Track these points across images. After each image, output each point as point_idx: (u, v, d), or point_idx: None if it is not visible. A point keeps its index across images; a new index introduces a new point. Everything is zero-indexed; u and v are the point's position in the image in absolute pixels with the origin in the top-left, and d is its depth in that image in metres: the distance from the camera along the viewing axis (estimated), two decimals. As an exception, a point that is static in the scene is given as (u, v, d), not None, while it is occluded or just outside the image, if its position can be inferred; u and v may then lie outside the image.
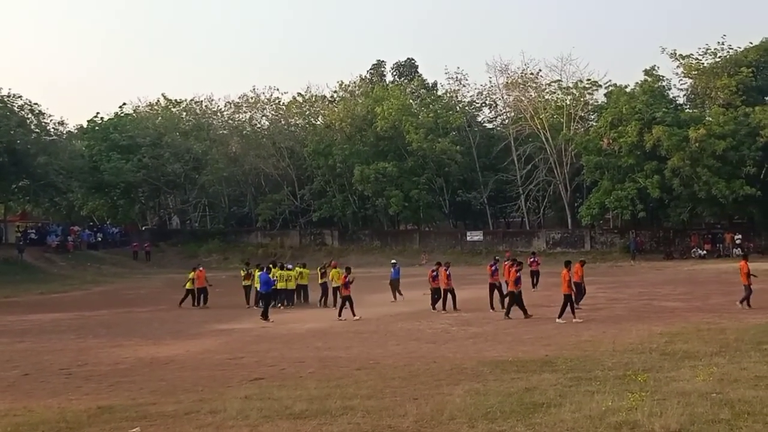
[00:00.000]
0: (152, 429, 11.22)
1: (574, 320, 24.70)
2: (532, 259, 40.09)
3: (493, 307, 29.46)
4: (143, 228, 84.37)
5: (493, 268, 30.82)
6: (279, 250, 70.82)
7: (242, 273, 37.23)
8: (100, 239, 74.26)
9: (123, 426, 11.50)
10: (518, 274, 27.40)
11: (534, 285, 37.71)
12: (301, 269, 36.72)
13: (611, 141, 61.80)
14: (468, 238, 71.47)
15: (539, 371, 15.14)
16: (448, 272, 30.68)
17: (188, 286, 36.61)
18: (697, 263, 55.19)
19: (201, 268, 38.40)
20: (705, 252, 60.54)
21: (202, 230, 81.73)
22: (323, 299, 34.69)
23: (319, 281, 35.59)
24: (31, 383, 16.78)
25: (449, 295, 30.28)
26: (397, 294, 35.87)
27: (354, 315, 28.33)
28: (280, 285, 33.93)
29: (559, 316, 25.18)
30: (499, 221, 79.59)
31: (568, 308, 25.34)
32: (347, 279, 29.30)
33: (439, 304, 30.35)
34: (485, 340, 21.42)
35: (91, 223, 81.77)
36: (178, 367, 18.41)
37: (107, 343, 23.66)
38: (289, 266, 36.59)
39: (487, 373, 15.18)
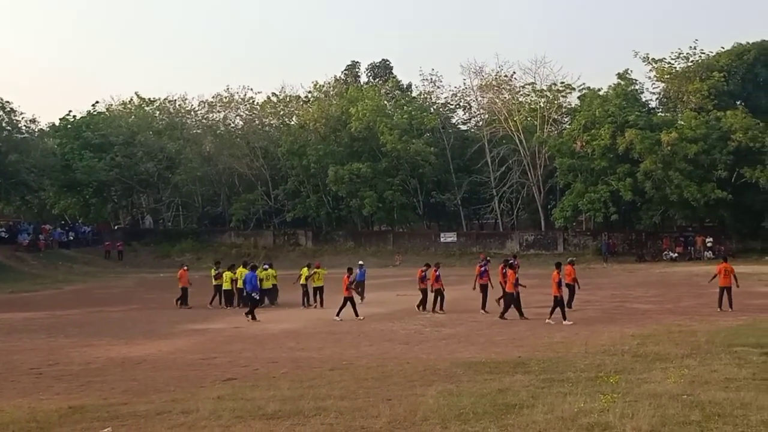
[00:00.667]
0: (124, 429, 11.16)
1: (564, 322, 24.69)
2: (512, 261, 39.78)
3: (482, 308, 29.38)
4: (116, 227, 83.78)
5: (483, 269, 30.63)
6: (252, 250, 70.60)
7: (212, 272, 36.89)
8: (72, 238, 73.68)
9: (94, 426, 11.44)
10: (517, 275, 27.32)
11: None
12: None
13: (584, 144, 62.15)
14: (442, 240, 71.64)
15: (512, 372, 15.20)
16: (437, 273, 30.48)
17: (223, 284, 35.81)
18: (668, 266, 55.58)
19: (185, 267, 37.92)
20: (677, 255, 60.97)
21: (175, 230, 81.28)
22: (306, 299, 34.54)
23: (301, 282, 35.24)
24: (1, 383, 16.65)
25: (438, 296, 30.08)
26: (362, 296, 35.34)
27: (357, 315, 28.15)
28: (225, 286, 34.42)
29: (549, 317, 25.32)
30: (473, 223, 79.73)
31: (559, 309, 25.46)
32: (350, 280, 29.17)
33: (435, 305, 30.17)
34: (458, 341, 21.47)
35: (63, 222, 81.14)
36: (150, 367, 18.33)
37: (78, 342, 23.50)
38: (266, 266, 36.40)
39: (460, 374, 15.23)
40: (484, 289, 30.04)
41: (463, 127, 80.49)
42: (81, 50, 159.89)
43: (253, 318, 28.73)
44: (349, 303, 28.56)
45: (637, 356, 17.08)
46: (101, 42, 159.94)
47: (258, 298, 30.88)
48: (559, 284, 25.77)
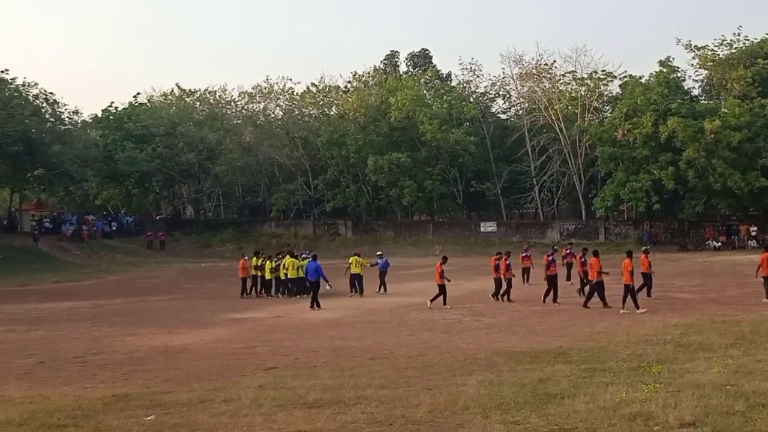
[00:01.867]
0: (167, 417, 11.24)
1: (638, 311, 24.21)
2: (567, 251, 38.51)
3: (554, 300, 28.20)
4: (157, 217, 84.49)
5: (550, 258, 29.77)
6: (293, 240, 70.79)
7: (256, 262, 36.47)
8: (114, 228, 74.58)
9: (138, 414, 11.53)
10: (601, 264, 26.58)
11: (568, 278, 35.71)
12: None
13: (626, 132, 61.60)
14: (482, 229, 71.44)
15: (553, 362, 15.11)
16: (508, 262, 29.98)
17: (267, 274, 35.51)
18: (711, 255, 54.96)
19: (245, 257, 37.39)
20: (720, 244, 60.30)
21: (216, 220, 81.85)
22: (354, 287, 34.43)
23: (352, 271, 34.86)
24: (47, 371, 16.86)
25: (508, 286, 29.66)
26: (382, 288, 35.14)
27: (445, 304, 27.73)
28: (291, 274, 33.82)
29: (623, 305, 24.90)
30: (513, 212, 79.37)
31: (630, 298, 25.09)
32: (442, 268, 28.65)
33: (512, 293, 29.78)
34: (499, 330, 21.40)
35: (106, 213, 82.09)
36: (192, 355, 18.46)
37: (122, 331, 23.74)
38: (305, 255, 36.37)
39: (500, 364, 15.16)
40: (553, 280, 28.84)
41: (503, 116, 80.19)
42: (123, 43, 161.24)
43: (318, 306, 28.88)
44: (441, 290, 28.13)
45: (679, 346, 16.91)
46: (145, 36, 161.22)
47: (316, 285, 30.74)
48: (631, 273, 25.31)
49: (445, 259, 30.19)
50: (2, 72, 64.18)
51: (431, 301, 27.96)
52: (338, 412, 11.01)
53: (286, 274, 34.04)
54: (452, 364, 15.39)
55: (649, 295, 28.05)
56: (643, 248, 32.44)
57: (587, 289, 27.99)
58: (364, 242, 65.36)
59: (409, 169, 69.01)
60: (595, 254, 26.88)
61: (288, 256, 35.01)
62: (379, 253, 38.35)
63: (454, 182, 72.48)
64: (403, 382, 13.51)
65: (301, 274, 33.68)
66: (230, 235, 74.31)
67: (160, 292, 39.28)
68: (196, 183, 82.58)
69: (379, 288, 34.87)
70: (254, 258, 36.64)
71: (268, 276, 34.92)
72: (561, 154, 70.00)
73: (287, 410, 11.31)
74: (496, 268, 29.88)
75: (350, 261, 34.94)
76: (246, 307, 30.48)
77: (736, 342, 17.13)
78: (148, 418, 11.22)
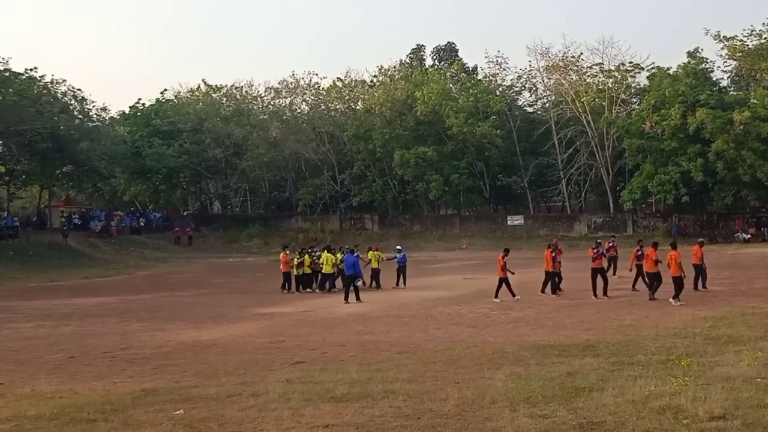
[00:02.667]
0: (195, 411, 11.29)
1: (675, 302, 24.04)
2: (610, 244, 37.44)
3: (597, 294, 27.40)
4: (185, 213, 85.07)
5: (596, 251, 28.85)
6: (319, 234, 71.04)
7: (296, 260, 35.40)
8: (142, 224, 75.07)
9: (166, 408, 11.59)
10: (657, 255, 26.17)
11: (614, 272, 34.96)
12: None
13: (654, 124, 61.21)
14: (509, 223, 71.35)
15: (581, 355, 15.03)
16: (553, 255, 29.38)
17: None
18: (741, 247, 54.52)
19: (286, 251, 36.45)
20: (749, 236, 59.80)
21: (243, 215, 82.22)
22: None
23: (373, 265, 34.75)
24: (77, 366, 16.97)
25: (555, 278, 29.19)
26: (400, 281, 35.06)
27: (514, 295, 27.52)
28: (326, 269, 33.77)
29: (674, 297, 24.49)
30: (540, 205, 79.18)
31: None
32: (504, 260, 28.22)
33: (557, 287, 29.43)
34: (526, 324, 21.32)
35: (134, 209, 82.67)
36: (220, 350, 18.53)
37: (150, 326, 23.86)
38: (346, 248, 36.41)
39: (528, 358, 15.11)
40: (599, 272, 27.96)
41: (530, 109, 79.87)
42: (150, 40, 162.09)
43: (357, 299, 29.22)
44: (504, 283, 27.96)
45: (709, 339, 16.77)
46: (171, 33, 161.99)
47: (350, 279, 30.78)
48: (680, 265, 25.01)
49: (506, 251, 29.76)
50: (31, 70, 64.82)
51: (496, 295, 27.73)
52: (366, 406, 11.02)
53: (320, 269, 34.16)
54: (480, 358, 15.35)
55: (704, 286, 28.22)
56: (699, 240, 32.20)
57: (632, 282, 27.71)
58: (390, 236, 65.38)
59: (435, 163, 68.98)
60: (654, 245, 26.56)
61: (325, 251, 34.91)
62: (398, 247, 38.16)
63: (481, 176, 72.32)
64: (431, 376, 13.50)
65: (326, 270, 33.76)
66: (257, 230, 74.70)
67: (187, 288, 39.48)
68: (223, 178, 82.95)
69: (398, 282, 34.80)
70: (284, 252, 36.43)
71: (306, 271, 34.67)
72: (588, 147, 69.70)
73: (315, 404, 11.33)
74: (554, 260, 29.12)
75: (369, 256, 34.79)
76: (273, 301, 30.55)
77: (766, 334, 16.97)
78: (177, 412, 11.28)
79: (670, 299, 24.37)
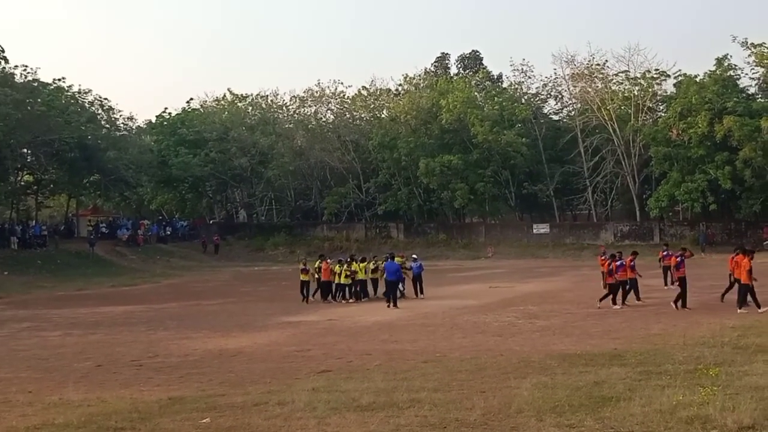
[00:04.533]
0: (222, 420, 11.31)
1: (761, 310, 23.36)
2: (664, 253, 35.85)
3: (680, 305, 25.81)
4: (211, 221, 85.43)
5: (679, 259, 27.39)
6: (345, 243, 71.10)
7: (316, 265, 35.43)
8: (168, 233, 75.44)
9: (193, 417, 11.62)
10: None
11: (672, 282, 32.24)
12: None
13: (680, 132, 60.96)
14: (534, 231, 71.10)
15: (608, 365, 14.93)
16: (632, 263, 28.14)
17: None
18: (769, 255, 54.01)
19: (327, 260, 35.93)
20: (777, 244, 59.19)
21: (268, 223, 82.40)
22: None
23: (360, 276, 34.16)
24: (104, 374, 17.07)
25: (623, 287, 27.76)
26: (418, 292, 34.48)
27: (615, 304, 26.91)
28: (343, 279, 33.67)
29: (740, 306, 24.00)
30: (566, 213, 78.79)
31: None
32: (633, 262, 27.30)
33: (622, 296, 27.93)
34: (553, 333, 21.23)
35: (161, 217, 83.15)
36: (246, 359, 18.57)
37: (177, 335, 23.97)
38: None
39: (555, 367, 15.03)
40: (683, 282, 26.52)
41: (555, 117, 79.62)
42: (176, 49, 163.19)
43: (395, 305, 29.75)
44: (616, 289, 27.30)
45: (737, 348, 16.62)
46: (197, 42, 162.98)
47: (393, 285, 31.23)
48: (750, 271, 24.55)
49: (635, 253, 29.12)
50: (59, 80, 65.42)
51: (623, 300, 26.94)
52: (392, 415, 10.99)
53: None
54: (505, 367, 15.29)
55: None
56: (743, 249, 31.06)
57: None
58: (415, 245, 65.25)
59: (460, 172, 68.90)
60: (746, 253, 25.08)
61: (357, 261, 34.61)
62: (414, 256, 37.66)
63: (506, 184, 72.16)
64: (457, 385, 13.46)
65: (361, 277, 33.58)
66: (283, 238, 74.85)
67: (214, 296, 39.61)
68: (249, 187, 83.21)
69: (418, 292, 34.43)
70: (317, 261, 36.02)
71: (343, 281, 33.85)
72: (614, 155, 69.40)
73: (341, 413, 11.32)
74: (611, 273, 27.80)
75: (354, 267, 34.25)
76: (299, 310, 30.60)
77: (795, 344, 16.81)
78: (204, 420, 11.30)
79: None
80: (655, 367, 14.32)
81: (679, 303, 25.61)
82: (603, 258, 31.60)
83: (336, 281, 33.94)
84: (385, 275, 31.98)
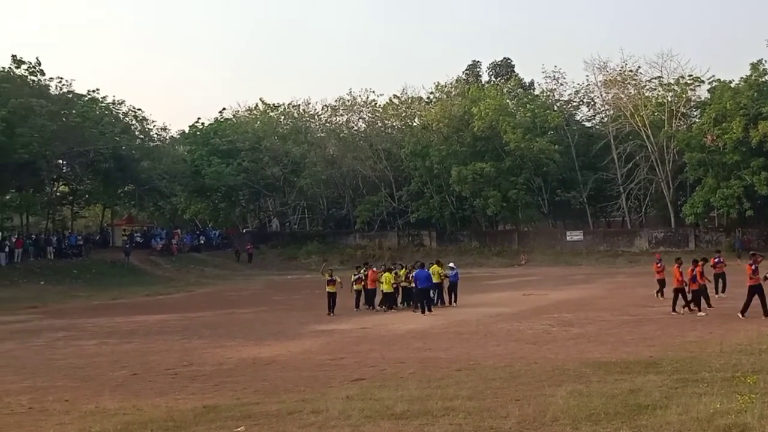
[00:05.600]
0: (256, 428, 11.34)
1: None
2: (717, 260, 34.09)
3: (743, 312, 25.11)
4: (244, 230, 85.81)
5: (754, 267, 25.75)
6: (377, 251, 71.14)
7: (354, 275, 34.92)
8: (202, 242, 75.84)
9: (228, 425, 11.66)
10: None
11: (723, 289, 32.35)
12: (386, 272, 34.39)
13: (715, 138, 60.47)
14: (568, 238, 70.80)
15: (644, 372, 14.81)
16: (702, 270, 27.46)
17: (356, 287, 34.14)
18: (806, 262, 53.30)
19: (373, 268, 35.88)
20: (815, 250, 58.49)
21: (301, 232, 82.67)
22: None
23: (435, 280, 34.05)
24: (140, 383, 17.18)
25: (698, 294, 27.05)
26: (452, 300, 34.30)
27: (701, 308, 26.49)
28: (385, 288, 33.26)
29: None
30: (600, 220, 78.38)
31: None
32: (755, 266, 25.75)
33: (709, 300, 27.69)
34: (587, 341, 21.10)
35: (194, 227, 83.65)
36: (280, 367, 18.61)
37: (211, 343, 24.07)
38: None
39: (590, 375, 14.93)
40: (757, 291, 25.27)
41: (588, 124, 79.21)
42: (209, 60, 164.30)
43: (429, 311, 30.08)
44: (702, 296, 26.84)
45: (775, 355, 16.45)
46: (230, 53, 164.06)
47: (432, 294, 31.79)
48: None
49: (704, 260, 28.65)
50: (93, 91, 66.07)
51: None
52: (426, 423, 10.97)
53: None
54: (540, 375, 15.21)
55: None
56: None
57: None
58: (448, 253, 65.13)
59: (493, 179, 68.73)
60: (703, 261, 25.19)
61: (387, 271, 34.15)
62: (451, 264, 36.97)
63: (539, 191, 71.92)
64: (491, 393, 13.41)
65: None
66: (315, 247, 75.04)
67: (247, 305, 39.75)
68: (282, 196, 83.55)
69: (452, 300, 34.32)
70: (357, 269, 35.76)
71: (387, 289, 33.30)
72: (648, 161, 68.95)
73: (375, 421, 11.31)
74: (694, 279, 26.92)
75: (431, 270, 34.23)
76: (332, 318, 30.60)
77: (834, 351, 16.60)
78: (239, 429, 11.34)
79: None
80: (691, 375, 14.19)
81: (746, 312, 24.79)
82: (659, 265, 31.50)
83: (382, 289, 33.46)
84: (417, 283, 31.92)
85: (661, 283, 31.71)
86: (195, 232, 79.80)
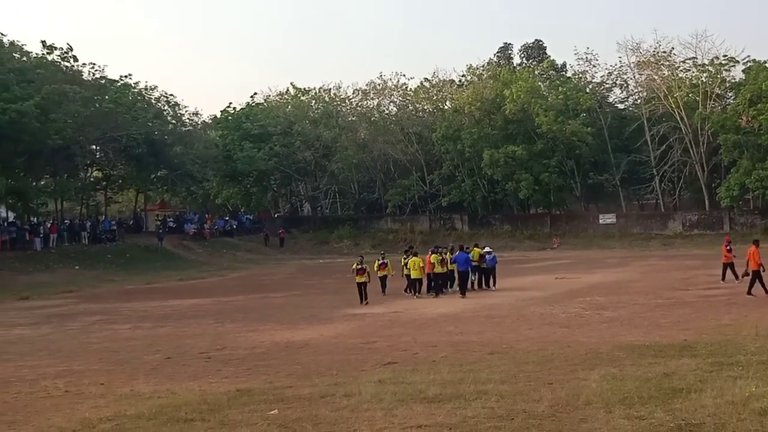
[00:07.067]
0: (289, 411, 11.38)
1: None
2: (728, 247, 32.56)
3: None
4: (275, 215, 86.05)
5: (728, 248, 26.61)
6: (409, 235, 70.98)
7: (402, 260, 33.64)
8: (234, 227, 76.17)
9: (261, 408, 11.71)
10: None
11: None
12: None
13: (750, 119, 59.73)
14: (600, 221, 70.36)
15: (678, 356, 14.70)
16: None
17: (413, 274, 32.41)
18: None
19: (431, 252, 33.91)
20: None
21: (333, 216, 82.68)
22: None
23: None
24: (173, 366, 17.32)
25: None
26: (492, 283, 34.26)
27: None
28: (414, 274, 32.65)
29: None
30: (633, 203, 77.76)
31: None
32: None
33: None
34: (620, 324, 21.00)
35: (227, 211, 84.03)
36: (312, 351, 18.68)
37: (244, 327, 24.23)
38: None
39: (623, 358, 14.84)
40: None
41: (621, 106, 78.49)
42: (240, 45, 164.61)
43: (462, 295, 30.29)
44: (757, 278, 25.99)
45: (812, 338, 16.27)
46: (261, 37, 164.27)
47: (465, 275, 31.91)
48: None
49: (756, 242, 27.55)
50: (126, 77, 66.51)
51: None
52: (458, 407, 10.96)
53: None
54: (573, 359, 15.15)
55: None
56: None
57: None
58: (480, 236, 64.83)
59: (525, 162, 68.38)
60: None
61: (414, 255, 32.98)
62: (487, 249, 36.23)
63: (571, 174, 71.43)
64: (524, 376, 13.37)
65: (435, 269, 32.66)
66: (347, 231, 75.09)
67: (279, 289, 39.92)
68: (313, 180, 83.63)
69: (486, 283, 34.32)
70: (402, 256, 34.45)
71: (415, 275, 31.94)
72: (682, 143, 68.27)
73: (408, 405, 11.31)
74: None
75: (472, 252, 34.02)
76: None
77: None
78: (272, 412, 11.38)
79: None
80: (726, 358, 14.07)
81: None
82: (728, 248, 30.75)
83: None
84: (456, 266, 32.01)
85: (730, 266, 30.28)
86: (227, 216, 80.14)
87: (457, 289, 32.18)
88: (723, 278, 30.33)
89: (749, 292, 25.68)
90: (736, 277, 29.22)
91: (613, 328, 20.35)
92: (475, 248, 34.56)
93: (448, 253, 33.60)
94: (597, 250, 61.00)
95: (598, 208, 76.28)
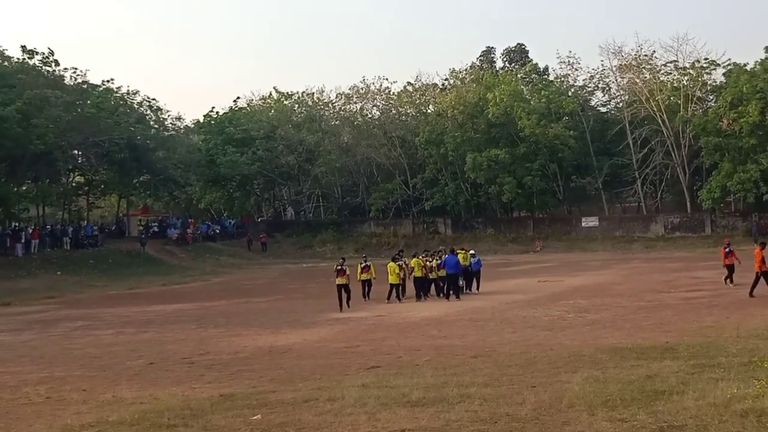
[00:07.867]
0: (273, 416, 11.36)
1: None
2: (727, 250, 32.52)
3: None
4: (259, 219, 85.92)
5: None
6: (392, 239, 71.05)
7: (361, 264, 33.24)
8: (217, 231, 75.99)
9: (244, 413, 11.69)
10: None
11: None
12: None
13: (731, 122, 60.05)
14: (583, 224, 70.61)
15: (660, 358, 14.75)
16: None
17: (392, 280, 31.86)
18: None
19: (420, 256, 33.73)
20: (832, 234, 58.07)
21: (316, 221, 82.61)
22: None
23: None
24: (156, 372, 17.26)
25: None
26: (476, 287, 34.36)
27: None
28: (391, 279, 32.57)
29: None
30: (615, 206, 78.06)
31: None
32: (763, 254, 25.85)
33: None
34: (603, 327, 21.07)
35: (210, 216, 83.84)
36: (295, 355, 18.66)
37: (227, 332, 24.17)
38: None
39: (606, 360, 14.88)
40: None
41: (603, 109, 78.73)
42: (222, 50, 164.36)
43: (457, 297, 30.53)
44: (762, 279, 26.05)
45: (793, 340, 16.36)
46: (243, 41, 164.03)
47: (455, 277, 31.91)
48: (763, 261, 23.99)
49: (763, 244, 27.59)
50: (108, 81, 66.26)
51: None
52: (442, 411, 10.97)
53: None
54: (556, 361, 15.19)
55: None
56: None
57: None
58: (463, 240, 65.01)
59: (507, 166, 68.50)
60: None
61: (414, 257, 33.13)
62: (471, 252, 36.36)
63: (554, 177, 71.63)
64: (507, 379, 13.40)
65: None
66: (330, 235, 75.03)
67: (263, 293, 39.87)
68: (296, 185, 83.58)
69: (475, 287, 34.44)
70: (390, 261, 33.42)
71: (392, 280, 31.74)
72: (664, 146, 68.56)
73: (391, 409, 11.32)
74: (764, 261, 26.46)
75: (413, 264, 32.72)
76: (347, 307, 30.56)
77: None
78: (255, 417, 11.37)
79: None
80: (708, 360, 14.13)
81: None
82: (727, 250, 30.75)
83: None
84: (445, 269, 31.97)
85: (730, 268, 30.27)
86: (210, 221, 79.97)
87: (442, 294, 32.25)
88: (732, 281, 29.80)
89: (751, 294, 25.93)
90: (728, 280, 29.45)
91: (596, 330, 20.41)
92: (462, 252, 34.63)
93: (434, 260, 33.07)
94: (580, 252, 61.22)
95: (581, 211, 76.55)
